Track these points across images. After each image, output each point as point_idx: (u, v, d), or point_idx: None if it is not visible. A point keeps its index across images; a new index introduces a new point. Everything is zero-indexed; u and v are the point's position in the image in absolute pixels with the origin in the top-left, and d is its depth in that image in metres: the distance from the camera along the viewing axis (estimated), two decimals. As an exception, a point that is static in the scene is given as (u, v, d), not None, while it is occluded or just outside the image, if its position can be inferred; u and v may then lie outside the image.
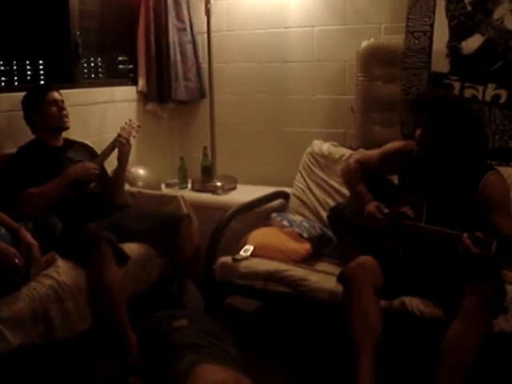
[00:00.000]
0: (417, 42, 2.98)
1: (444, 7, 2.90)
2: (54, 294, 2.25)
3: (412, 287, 2.24)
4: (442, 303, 2.16)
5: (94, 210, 2.75)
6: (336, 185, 3.07)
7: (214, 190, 3.57)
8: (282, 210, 3.17)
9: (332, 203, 3.00)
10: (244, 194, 3.42)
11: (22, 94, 2.81)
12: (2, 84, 3.20)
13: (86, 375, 2.33)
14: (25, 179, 2.60)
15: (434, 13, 2.92)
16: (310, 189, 3.16)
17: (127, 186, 3.18)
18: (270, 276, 2.53)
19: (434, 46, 2.93)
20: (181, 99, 3.80)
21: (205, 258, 2.73)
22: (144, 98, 3.78)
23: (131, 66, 3.82)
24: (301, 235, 2.77)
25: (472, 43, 2.85)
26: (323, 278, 2.48)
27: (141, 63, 3.70)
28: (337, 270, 2.41)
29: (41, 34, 3.30)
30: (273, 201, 3.22)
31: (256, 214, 3.08)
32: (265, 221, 2.97)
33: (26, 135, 2.79)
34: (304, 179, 3.20)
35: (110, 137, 2.96)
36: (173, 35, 3.66)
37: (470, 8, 2.84)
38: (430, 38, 2.94)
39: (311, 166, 3.21)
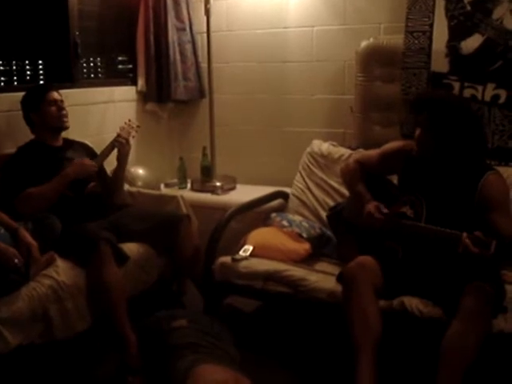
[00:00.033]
0: (416, 41, 2.98)
1: (443, 7, 2.90)
2: (53, 293, 2.25)
3: (411, 287, 2.24)
4: (441, 303, 2.16)
5: (93, 210, 2.75)
6: (335, 185, 3.07)
7: (213, 190, 3.57)
8: (281, 210, 3.16)
9: (331, 203, 3.00)
10: (243, 194, 3.42)
11: (22, 93, 2.80)
12: (2, 84, 3.20)
13: (85, 375, 2.33)
14: (24, 179, 2.59)
15: (433, 13, 2.92)
16: (309, 189, 3.16)
17: (127, 186, 3.18)
18: (269, 276, 2.53)
19: (434, 45, 2.94)
20: (180, 99, 3.80)
21: (204, 258, 2.73)
22: (143, 97, 3.78)
23: (130, 66, 3.82)
24: (300, 235, 2.77)
25: (471, 43, 2.85)
26: (323, 277, 2.48)
27: (140, 63, 3.70)
28: (336, 270, 2.41)
29: (40, 33, 3.30)
30: (272, 201, 3.22)
31: (255, 214, 3.08)
32: (264, 221, 2.97)
33: (26, 135, 2.79)
34: (303, 179, 3.20)
35: (110, 137, 2.95)
36: (172, 35, 3.66)
37: (469, 8, 2.84)
38: (430, 38, 2.94)
39: (311, 165, 3.21)
